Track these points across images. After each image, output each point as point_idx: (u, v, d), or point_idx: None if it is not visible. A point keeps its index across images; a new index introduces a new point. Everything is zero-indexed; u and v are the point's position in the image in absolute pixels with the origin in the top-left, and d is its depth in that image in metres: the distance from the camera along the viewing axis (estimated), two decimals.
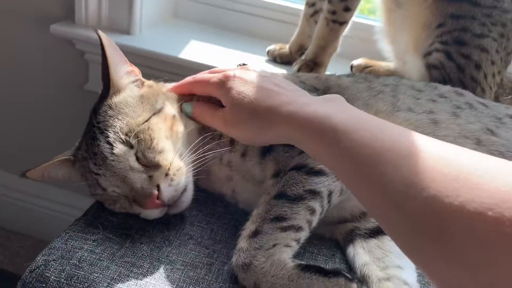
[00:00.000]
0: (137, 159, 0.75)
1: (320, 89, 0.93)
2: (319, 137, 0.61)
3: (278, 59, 1.35)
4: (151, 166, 0.74)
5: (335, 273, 0.67)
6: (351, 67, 1.33)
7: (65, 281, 0.69)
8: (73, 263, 0.71)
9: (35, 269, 0.71)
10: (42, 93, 1.55)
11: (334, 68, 1.30)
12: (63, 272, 0.70)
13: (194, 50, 1.32)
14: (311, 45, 1.26)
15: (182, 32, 1.44)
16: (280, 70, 1.30)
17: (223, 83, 0.76)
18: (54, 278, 0.69)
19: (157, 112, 0.79)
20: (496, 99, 1.25)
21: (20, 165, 0.85)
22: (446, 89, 1.00)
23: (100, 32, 0.80)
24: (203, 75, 0.83)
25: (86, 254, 0.73)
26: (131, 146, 0.75)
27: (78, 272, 0.70)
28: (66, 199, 1.68)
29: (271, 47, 1.36)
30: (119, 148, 0.74)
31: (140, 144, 0.75)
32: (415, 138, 0.54)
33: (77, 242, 0.75)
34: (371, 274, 0.72)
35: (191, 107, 0.83)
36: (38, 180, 0.86)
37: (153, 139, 0.75)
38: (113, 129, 0.75)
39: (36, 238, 1.79)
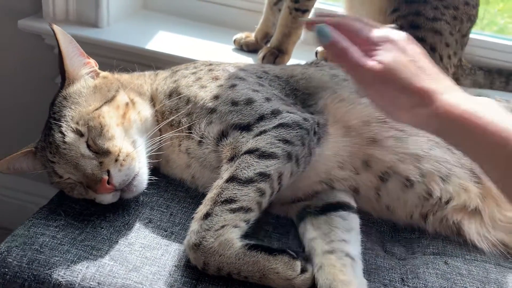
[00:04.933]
0: (88, 146, 0.79)
1: (283, 78, 0.95)
2: (466, 131, 0.63)
3: (245, 48, 1.37)
4: (101, 153, 0.78)
5: (280, 251, 0.71)
6: (316, 53, 1.36)
7: (26, 265, 0.72)
8: (34, 248, 0.75)
9: None
10: (13, 88, 1.56)
11: (299, 55, 1.32)
12: (25, 257, 0.73)
13: (162, 41, 1.34)
14: (275, 33, 1.29)
15: (150, 23, 1.46)
16: (247, 58, 1.33)
17: (383, 43, 0.68)
18: (16, 263, 0.73)
19: (109, 100, 0.83)
20: (457, 80, 1.29)
21: None
22: None
23: (55, 27, 0.83)
24: (356, 23, 0.71)
25: (47, 240, 0.76)
26: (81, 134, 0.79)
27: (39, 257, 0.73)
28: (40, 190, 1.68)
29: (238, 35, 1.38)
30: (69, 136, 0.78)
31: (90, 132, 0.79)
32: None
33: (40, 228, 0.78)
34: (317, 247, 0.76)
35: (330, 31, 0.69)
36: (5, 173, 0.89)
37: (104, 126, 0.79)
38: (65, 119, 0.79)
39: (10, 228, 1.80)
